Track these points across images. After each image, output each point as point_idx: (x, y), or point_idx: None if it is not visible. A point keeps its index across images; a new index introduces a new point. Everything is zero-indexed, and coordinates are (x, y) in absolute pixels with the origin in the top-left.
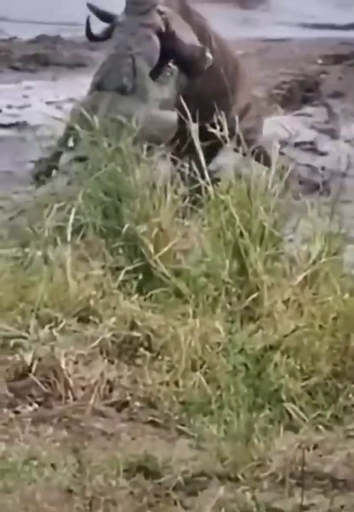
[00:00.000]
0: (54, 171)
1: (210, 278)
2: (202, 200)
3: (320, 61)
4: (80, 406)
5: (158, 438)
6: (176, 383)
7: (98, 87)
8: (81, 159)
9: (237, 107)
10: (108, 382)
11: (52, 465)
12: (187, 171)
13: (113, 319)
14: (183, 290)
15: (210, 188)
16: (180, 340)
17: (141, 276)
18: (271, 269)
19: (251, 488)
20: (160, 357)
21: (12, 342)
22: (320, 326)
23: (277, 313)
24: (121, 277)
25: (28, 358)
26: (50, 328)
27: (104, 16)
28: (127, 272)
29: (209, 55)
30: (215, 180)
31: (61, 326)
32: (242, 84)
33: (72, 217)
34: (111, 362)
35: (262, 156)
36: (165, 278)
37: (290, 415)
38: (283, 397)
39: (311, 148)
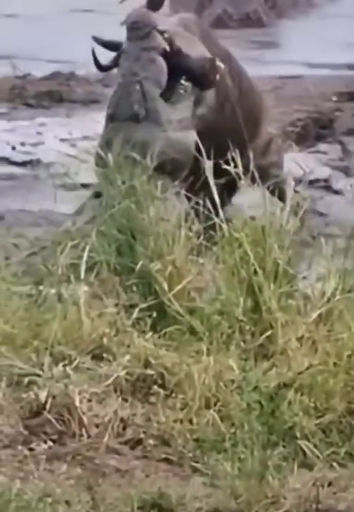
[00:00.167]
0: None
1: (224, 315)
2: (217, 237)
3: (334, 98)
4: (94, 443)
5: (172, 475)
6: (190, 421)
7: (112, 119)
8: (97, 195)
9: (261, 141)
10: (122, 419)
11: (67, 502)
12: (201, 208)
13: (127, 357)
14: (197, 328)
15: (224, 226)
16: (194, 377)
17: (155, 314)
18: (285, 306)
19: None
20: (174, 395)
21: (26, 379)
22: (335, 364)
23: (291, 351)
24: (135, 315)
25: (43, 395)
26: (64, 365)
27: (110, 45)
28: (141, 310)
29: (220, 64)
30: (229, 218)
31: (75, 363)
32: (265, 118)
33: (86, 254)
34: (125, 400)
35: (277, 191)
36: (179, 316)
37: (304, 453)
38: (298, 434)
39: (325, 185)
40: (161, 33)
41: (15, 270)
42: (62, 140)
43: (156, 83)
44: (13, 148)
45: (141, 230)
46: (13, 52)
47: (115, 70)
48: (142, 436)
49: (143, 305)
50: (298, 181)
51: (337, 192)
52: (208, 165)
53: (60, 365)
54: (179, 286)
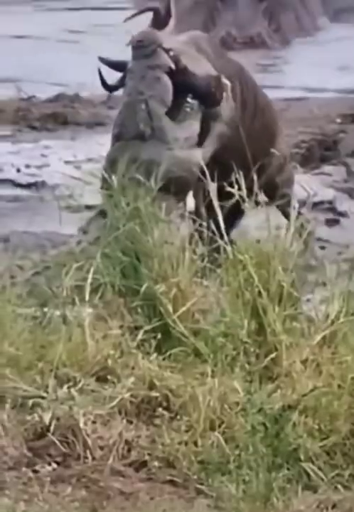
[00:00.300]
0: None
1: (228, 337)
2: (221, 259)
3: (339, 120)
4: (99, 466)
5: (177, 498)
6: (195, 443)
7: (118, 138)
8: (103, 213)
9: (276, 158)
10: (126, 441)
11: None
12: (205, 231)
13: (131, 379)
14: (202, 349)
15: (229, 248)
16: (198, 399)
17: (159, 336)
18: (289, 328)
19: None
20: (178, 417)
21: (31, 401)
22: (339, 386)
23: (295, 373)
24: (139, 337)
25: (47, 417)
26: (69, 387)
27: (117, 66)
28: (146, 332)
29: (226, 81)
30: (233, 241)
31: (80, 385)
32: (280, 134)
33: (90, 276)
34: (130, 422)
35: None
36: (183, 337)
37: (308, 475)
38: (302, 456)
39: (330, 207)
40: (167, 51)
41: (19, 292)
42: (66, 162)
43: (162, 102)
44: (18, 170)
45: (146, 252)
46: (16, 74)
47: (120, 91)
48: (147, 458)
49: (148, 327)
50: (303, 203)
51: (341, 214)
52: (212, 187)
53: (65, 387)
54: (184, 308)
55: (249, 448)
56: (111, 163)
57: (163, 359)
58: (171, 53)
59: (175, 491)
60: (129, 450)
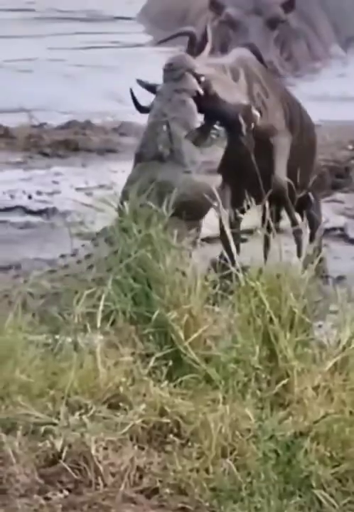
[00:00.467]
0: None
1: (240, 364)
2: (233, 286)
3: (350, 147)
4: (110, 492)
5: None
6: (206, 470)
7: (139, 158)
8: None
9: (315, 174)
10: (138, 468)
11: None
12: (217, 258)
13: (143, 406)
14: (213, 376)
15: (240, 275)
16: (210, 426)
17: (171, 363)
18: (301, 355)
19: None
20: (190, 443)
21: (42, 428)
22: (351, 413)
23: (307, 400)
24: (151, 364)
25: (58, 444)
26: (80, 414)
27: (153, 88)
28: (157, 359)
29: (256, 112)
30: (244, 267)
31: (91, 412)
32: (317, 151)
33: (102, 303)
34: (141, 448)
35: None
36: (195, 364)
37: (320, 502)
38: (314, 483)
39: (341, 234)
40: (197, 76)
41: (31, 319)
42: (78, 189)
43: (184, 124)
44: (29, 197)
45: (157, 279)
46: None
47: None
48: (158, 485)
49: (159, 354)
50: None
51: (353, 241)
52: (224, 214)
53: (76, 414)
54: (195, 335)
55: (261, 475)
56: (130, 184)
57: (175, 386)
58: (202, 79)
59: None
60: (140, 477)
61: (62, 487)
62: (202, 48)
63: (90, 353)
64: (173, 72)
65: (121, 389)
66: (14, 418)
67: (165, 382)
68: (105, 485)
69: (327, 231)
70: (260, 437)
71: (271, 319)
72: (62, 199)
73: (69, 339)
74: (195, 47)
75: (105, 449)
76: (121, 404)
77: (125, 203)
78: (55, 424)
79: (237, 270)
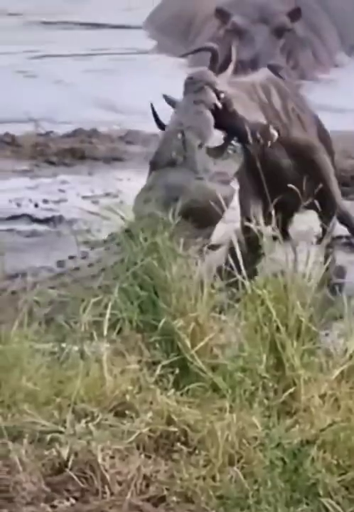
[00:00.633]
0: None
1: (246, 372)
2: (239, 294)
3: None
4: (117, 501)
5: None
6: (213, 478)
7: (153, 167)
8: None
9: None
10: (145, 477)
11: None
12: (223, 265)
13: (149, 414)
14: (220, 385)
15: (247, 283)
16: (217, 434)
17: (177, 371)
18: (307, 363)
19: None
20: (197, 451)
21: (49, 437)
22: None
23: (314, 408)
24: (157, 372)
25: (65, 452)
26: (87, 422)
27: (171, 102)
28: (164, 367)
29: (273, 131)
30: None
31: (97, 420)
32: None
33: (108, 311)
34: (148, 457)
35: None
36: (201, 372)
37: (327, 510)
38: (321, 491)
39: (347, 242)
40: (217, 92)
41: (37, 327)
42: (84, 197)
43: (199, 134)
44: (36, 205)
45: (164, 287)
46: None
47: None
48: (165, 493)
49: (166, 362)
50: (320, 238)
51: None
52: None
53: (83, 422)
54: (202, 343)
55: (268, 483)
56: (145, 192)
57: (181, 394)
58: (222, 95)
59: None
60: (147, 485)
61: (68, 495)
62: (225, 67)
63: (97, 361)
64: (193, 85)
65: (128, 397)
66: (20, 426)
67: (172, 390)
68: (112, 493)
69: (333, 239)
70: (267, 445)
71: (277, 328)
72: (69, 207)
73: (75, 347)
74: (217, 63)
75: (112, 457)
76: (127, 412)
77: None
78: (61, 432)
79: (243, 278)
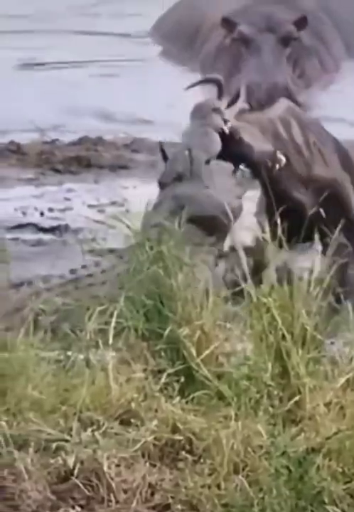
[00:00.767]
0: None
1: (252, 380)
2: (244, 303)
3: None
4: (122, 509)
5: None
6: (218, 486)
7: (162, 187)
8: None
9: None
10: (150, 485)
11: None
12: (229, 274)
13: (155, 422)
14: (225, 393)
15: (252, 291)
16: (222, 443)
17: (183, 379)
18: (313, 371)
19: None
20: (202, 460)
21: (54, 445)
22: None
23: (319, 416)
24: (163, 380)
25: (71, 460)
26: (92, 431)
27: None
28: (169, 375)
29: (281, 157)
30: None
31: (103, 428)
32: None
33: (114, 320)
34: (153, 465)
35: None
36: (207, 381)
37: None
38: (326, 499)
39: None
40: (225, 120)
41: (43, 335)
42: (90, 206)
43: (205, 150)
44: (41, 213)
45: (169, 296)
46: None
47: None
48: (170, 501)
49: (171, 370)
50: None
51: None
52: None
53: (88, 430)
54: (207, 351)
55: (273, 491)
56: (154, 209)
57: (187, 402)
58: (229, 124)
59: None
60: (152, 493)
61: (74, 503)
62: (234, 101)
63: (102, 369)
64: (200, 111)
65: (133, 405)
66: (26, 434)
67: (177, 398)
68: (117, 501)
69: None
70: (272, 453)
71: (283, 336)
72: (74, 216)
73: (81, 356)
74: (222, 93)
75: (117, 465)
76: (133, 420)
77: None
78: (67, 441)
79: (249, 286)
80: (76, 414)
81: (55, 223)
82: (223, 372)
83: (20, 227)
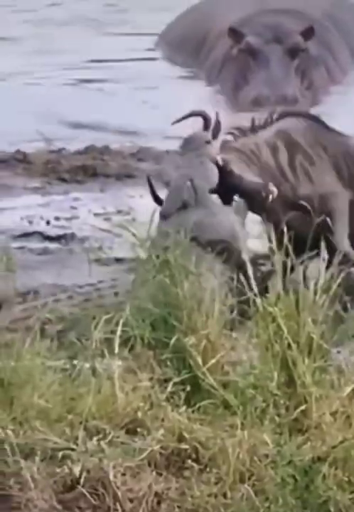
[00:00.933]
0: None
1: (258, 390)
2: (250, 311)
3: None
4: None
5: None
6: (224, 495)
7: (164, 217)
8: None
9: None
10: (156, 494)
11: None
12: (235, 283)
13: (161, 431)
14: (231, 402)
15: (258, 300)
16: (228, 452)
17: (189, 388)
18: (319, 380)
19: None
20: (208, 469)
21: (60, 454)
22: None
23: (325, 425)
24: (169, 389)
25: (77, 469)
26: (99, 440)
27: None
28: (175, 384)
29: (273, 188)
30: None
31: (109, 437)
32: None
33: (120, 329)
34: (160, 474)
35: None
36: (213, 390)
37: None
38: (332, 509)
39: None
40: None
41: (49, 344)
42: (96, 214)
43: (206, 179)
44: (48, 222)
45: (175, 305)
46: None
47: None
48: (176, 510)
49: (177, 379)
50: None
51: None
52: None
53: (94, 439)
54: (213, 361)
55: (279, 500)
56: (160, 236)
57: (193, 411)
58: (219, 157)
59: None
60: (158, 502)
61: None
62: (215, 133)
63: (108, 378)
64: (193, 143)
65: (139, 414)
66: (32, 443)
67: (184, 407)
68: (123, 510)
69: (345, 256)
70: (278, 462)
71: (289, 345)
72: (81, 224)
73: (87, 364)
74: (209, 126)
75: (123, 474)
76: (139, 429)
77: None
78: (73, 450)
79: (255, 295)
80: (82, 423)
81: (61, 232)
82: (229, 381)
83: (26, 235)
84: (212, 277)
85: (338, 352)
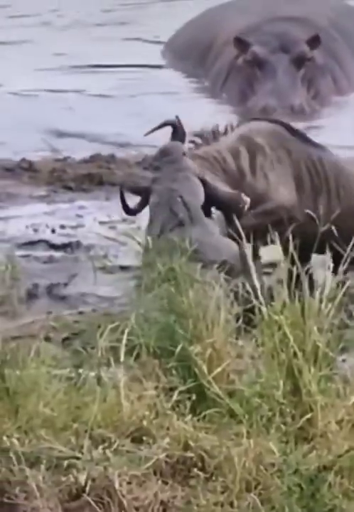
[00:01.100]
0: None
1: (263, 398)
2: (256, 320)
3: None
4: None
5: None
6: (230, 504)
7: (157, 235)
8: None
9: None
10: (162, 502)
11: None
12: (240, 291)
13: (166, 440)
14: (237, 410)
15: (264, 308)
16: (234, 460)
17: (194, 397)
18: (324, 389)
19: None
20: (214, 477)
21: (66, 462)
22: None
23: (331, 434)
24: (174, 398)
25: (82, 478)
26: (104, 448)
27: (137, 190)
28: (181, 393)
29: (246, 198)
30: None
31: (114, 446)
32: None
33: (125, 337)
34: (165, 482)
35: None
36: (218, 398)
37: None
38: None
39: None
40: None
41: (54, 353)
42: (101, 223)
43: (195, 195)
44: (53, 231)
45: (181, 313)
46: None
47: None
48: None
49: (183, 388)
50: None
51: None
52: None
53: (100, 447)
54: (219, 369)
55: (285, 509)
56: (150, 253)
57: (198, 420)
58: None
59: None
60: (164, 511)
61: None
62: (182, 138)
63: (114, 387)
64: (171, 155)
65: (145, 423)
66: (38, 452)
67: (189, 416)
68: None
69: (352, 263)
70: (284, 471)
71: (295, 353)
72: (86, 233)
73: (92, 373)
74: (179, 135)
75: (129, 483)
76: (144, 438)
77: (148, 238)
78: (78, 458)
79: (260, 303)
80: (87, 431)
81: (66, 240)
82: (235, 389)
83: (31, 244)
84: (217, 286)
85: (344, 360)
